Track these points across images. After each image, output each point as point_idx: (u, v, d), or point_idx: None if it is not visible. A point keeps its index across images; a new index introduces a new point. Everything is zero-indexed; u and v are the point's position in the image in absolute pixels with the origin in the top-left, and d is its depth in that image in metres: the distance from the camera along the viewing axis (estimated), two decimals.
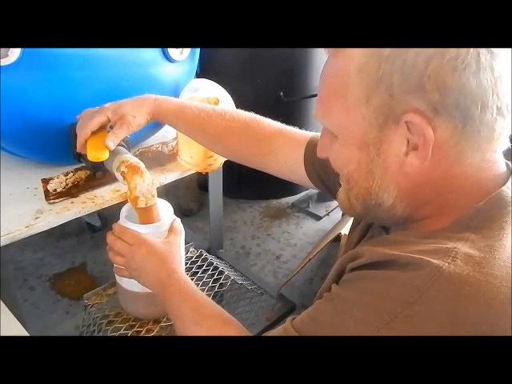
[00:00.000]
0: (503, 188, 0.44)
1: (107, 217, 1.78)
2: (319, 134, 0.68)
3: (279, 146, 0.70)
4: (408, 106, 0.41)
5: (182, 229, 0.73)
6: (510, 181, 0.45)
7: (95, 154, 0.70)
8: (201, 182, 1.90)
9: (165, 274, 0.64)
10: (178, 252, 0.69)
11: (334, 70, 0.46)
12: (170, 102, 0.73)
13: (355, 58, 0.43)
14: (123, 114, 0.70)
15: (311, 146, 0.66)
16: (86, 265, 1.65)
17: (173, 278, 0.64)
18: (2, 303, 0.64)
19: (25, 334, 0.59)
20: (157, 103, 0.72)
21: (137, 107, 0.71)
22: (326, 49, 0.47)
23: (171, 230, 0.71)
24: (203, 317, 0.58)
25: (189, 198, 1.91)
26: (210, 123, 0.72)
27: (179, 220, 0.74)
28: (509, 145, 0.45)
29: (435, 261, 0.39)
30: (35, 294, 1.52)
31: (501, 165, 0.46)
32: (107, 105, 0.72)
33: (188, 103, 0.74)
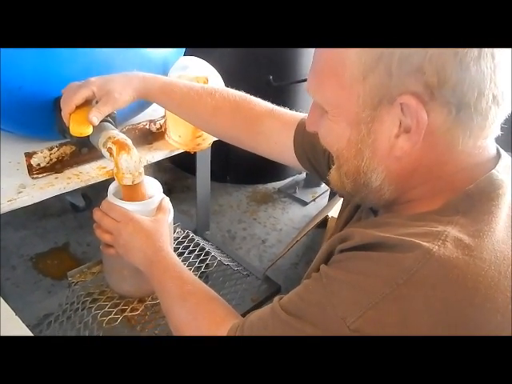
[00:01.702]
0: (492, 171, 0.44)
1: (91, 197, 1.75)
2: None
3: (269, 127, 0.69)
4: (405, 87, 0.40)
5: (171, 208, 0.72)
6: (499, 164, 0.45)
7: (78, 128, 0.68)
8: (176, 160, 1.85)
9: (151, 251, 0.64)
10: (166, 230, 0.68)
11: None
12: (159, 81, 0.71)
13: None
14: (109, 89, 0.68)
15: (301, 128, 0.66)
16: (68, 245, 1.63)
17: (160, 255, 0.63)
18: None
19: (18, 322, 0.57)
20: (145, 81, 0.70)
21: (124, 84, 0.69)
22: None
23: (159, 208, 0.70)
24: (189, 294, 0.58)
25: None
26: (200, 102, 0.71)
27: (168, 199, 0.73)
28: (500, 132, 0.44)
29: (425, 243, 0.39)
30: (16, 273, 1.50)
31: (491, 149, 0.46)
32: (93, 79, 0.70)
33: (177, 81, 0.73)
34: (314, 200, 1.97)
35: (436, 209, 0.44)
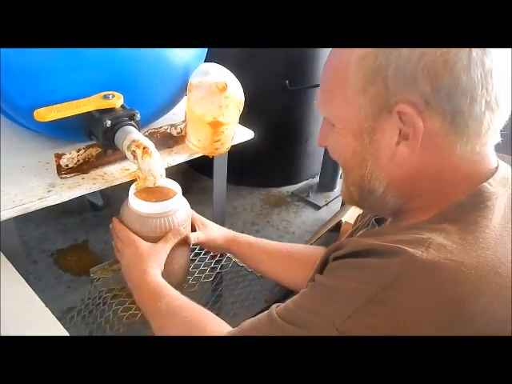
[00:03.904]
0: (484, 184, 0.46)
1: (109, 196, 1.80)
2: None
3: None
4: (402, 97, 0.43)
5: (189, 207, 0.75)
6: (494, 177, 0.47)
7: None
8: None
9: (137, 274, 0.66)
10: (160, 258, 0.69)
11: (336, 61, 0.48)
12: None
13: (356, 49, 0.44)
14: None
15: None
16: (87, 242, 1.68)
17: (144, 279, 0.65)
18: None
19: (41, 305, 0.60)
20: None
21: None
22: None
23: (167, 236, 0.71)
24: (180, 308, 0.59)
25: None
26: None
27: (187, 202, 0.76)
28: (500, 139, 0.46)
29: (410, 249, 0.41)
30: (38, 267, 1.55)
31: (492, 160, 0.48)
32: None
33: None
34: (326, 204, 1.99)
35: (429, 218, 0.46)
